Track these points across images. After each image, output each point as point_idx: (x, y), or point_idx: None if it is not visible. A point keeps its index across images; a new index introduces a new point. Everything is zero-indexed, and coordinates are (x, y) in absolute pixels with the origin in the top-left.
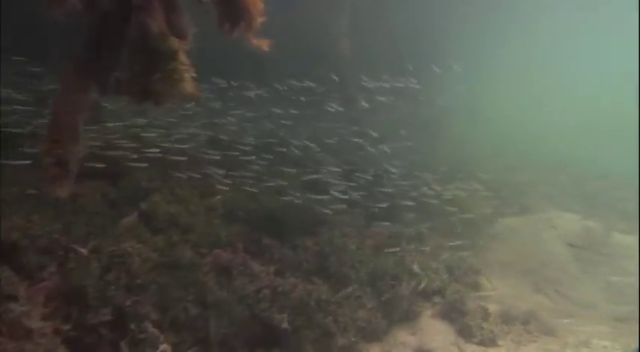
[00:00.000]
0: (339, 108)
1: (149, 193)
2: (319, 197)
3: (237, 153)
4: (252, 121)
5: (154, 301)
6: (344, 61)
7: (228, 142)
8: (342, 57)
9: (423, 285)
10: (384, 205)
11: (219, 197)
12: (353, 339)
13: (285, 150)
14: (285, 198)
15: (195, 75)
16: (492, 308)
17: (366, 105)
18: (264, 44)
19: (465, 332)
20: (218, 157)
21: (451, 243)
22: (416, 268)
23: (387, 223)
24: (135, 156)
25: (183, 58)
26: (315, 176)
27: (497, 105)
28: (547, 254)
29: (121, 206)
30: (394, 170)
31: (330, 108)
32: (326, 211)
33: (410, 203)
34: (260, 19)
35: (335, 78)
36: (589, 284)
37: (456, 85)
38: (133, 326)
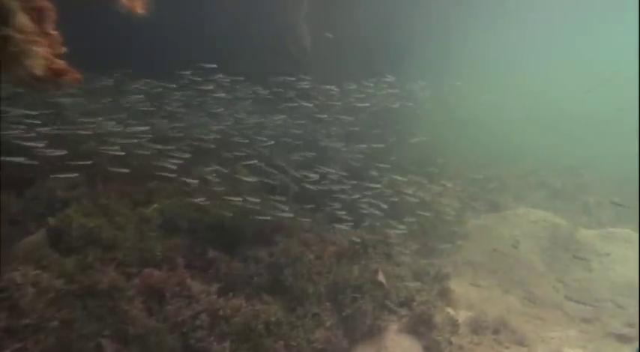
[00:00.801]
0: (306, 104)
1: (67, 204)
2: (278, 200)
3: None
4: (212, 117)
5: (50, 343)
6: (305, 54)
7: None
8: (304, 50)
9: (388, 297)
10: (350, 208)
11: (155, 205)
12: None
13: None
14: (238, 204)
15: (60, 51)
16: (462, 316)
17: (337, 103)
18: (137, 6)
19: (432, 349)
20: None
21: (420, 247)
22: (381, 277)
23: (352, 228)
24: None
25: (25, 23)
26: (273, 177)
27: (467, 104)
28: (516, 252)
29: (26, 222)
30: (360, 169)
31: (293, 104)
32: (285, 214)
33: (379, 205)
34: None
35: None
36: (556, 282)
37: (426, 83)
38: None
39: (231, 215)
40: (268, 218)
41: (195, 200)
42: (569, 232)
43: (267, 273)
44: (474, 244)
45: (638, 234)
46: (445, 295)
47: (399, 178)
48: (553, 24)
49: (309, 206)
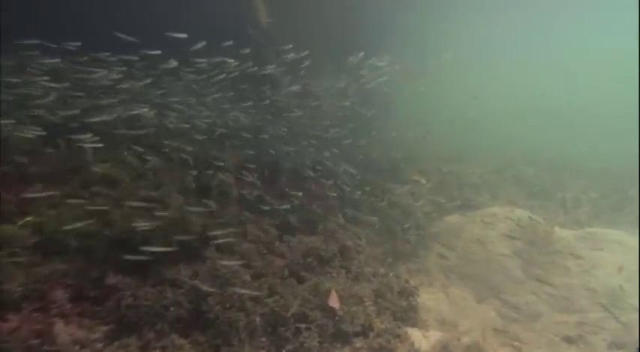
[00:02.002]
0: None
1: None
2: (212, 205)
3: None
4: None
5: None
6: (266, 36)
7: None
8: (264, 32)
9: (341, 325)
10: (305, 212)
11: (29, 218)
12: None
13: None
14: (158, 212)
15: None
16: (432, 339)
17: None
18: None
19: None
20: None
21: (385, 252)
22: (334, 301)
23: (307, 235)
24: None
25: None
26: (212, 178)
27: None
28: (490, 255)
29: None
30: (320, 168)
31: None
32: (219, 221)
33: (341, 207)
34: None
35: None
36: (533, 289)
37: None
38: None
39: (147, 226)
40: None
41: (95, 207)
42: (547, 233)
43: (188, 302)
44: (445, 247)
45: (615, 235)
46: (411, 314)
47: (368, 176)
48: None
49: (255, 210)
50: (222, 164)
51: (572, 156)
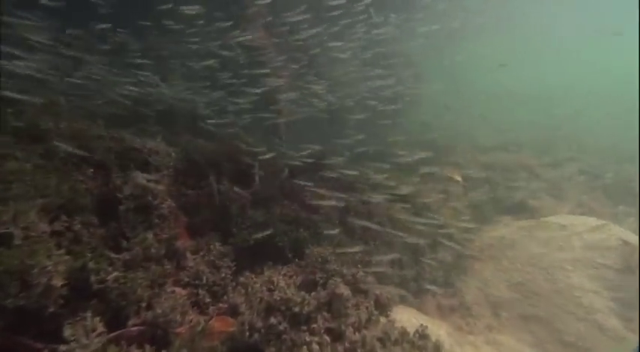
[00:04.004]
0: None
1: None
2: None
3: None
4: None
5: None
6: None
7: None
8: None
9: None
10: (298, 222)
11: None
12: None
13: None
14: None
15: None
16: None
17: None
18: None
19: None
20: None
21: (409, 281)
22: None
23: (279, 270)
24: None
25: None
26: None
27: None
28: (562, 288)
29: None
30: (310, 160)
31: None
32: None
33: (344, 214)
34: None
35: None
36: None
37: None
38: None
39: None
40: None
41: None
42: None
43: None
44: (492, 271)
45: None
46: None
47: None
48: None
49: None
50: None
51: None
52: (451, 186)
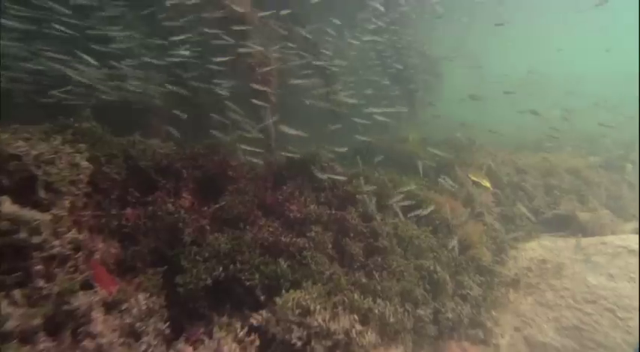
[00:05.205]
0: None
1: None
2: None
3: None
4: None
5: None
6: None
7: None
8: None
9: None
10: (271, 246)
11: None
12: None
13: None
14: None
15: None
16: None
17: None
18: None
19: None
20: None
21: (425, 328)
22: None
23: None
24: None
25: None
26: None
27: None
28: (636, 335)
29: None
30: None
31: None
32: None
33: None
34: None
35: None
36: None
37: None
38: None
39: None
40: None
41: None
42: None
43: None
44: (533, 305)
45: None
46: None
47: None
48: None
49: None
50: None
51: None
52: (477, 194)
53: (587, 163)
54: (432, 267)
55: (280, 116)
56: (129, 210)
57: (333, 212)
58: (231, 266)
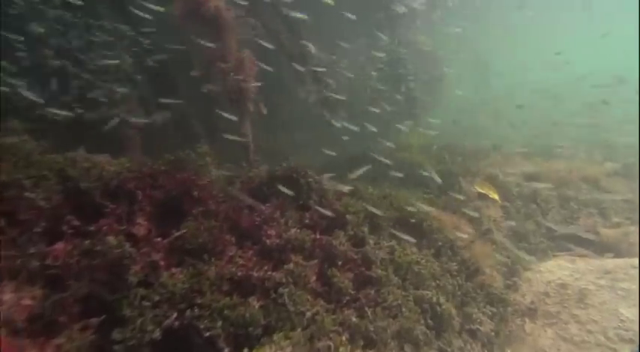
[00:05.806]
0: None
1: None
2: None
3: None
4: None
5: None
6: None
7: None
8: None
9: None
10: (239, 285)
11: None
12: None
13: None
14: None
15: None
16: None
17: None
18: None
19: None
20: None
21: None
22: None
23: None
24: None
25: None
26: None
27: None
28: None
29: None
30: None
31: None
32: None
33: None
34: None
35: None
36: None
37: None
38: None
39: None
40: None
41: None
42: None
43: None
44: (554, 339)
45: None
46: None
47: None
48: None
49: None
50: None
51: None
52: (484, 208)
53: (605, 170)
54: (434, 299)
55: (265, 124)
56: (59, 245)
57: (318, 236)
58: (188, 312)
